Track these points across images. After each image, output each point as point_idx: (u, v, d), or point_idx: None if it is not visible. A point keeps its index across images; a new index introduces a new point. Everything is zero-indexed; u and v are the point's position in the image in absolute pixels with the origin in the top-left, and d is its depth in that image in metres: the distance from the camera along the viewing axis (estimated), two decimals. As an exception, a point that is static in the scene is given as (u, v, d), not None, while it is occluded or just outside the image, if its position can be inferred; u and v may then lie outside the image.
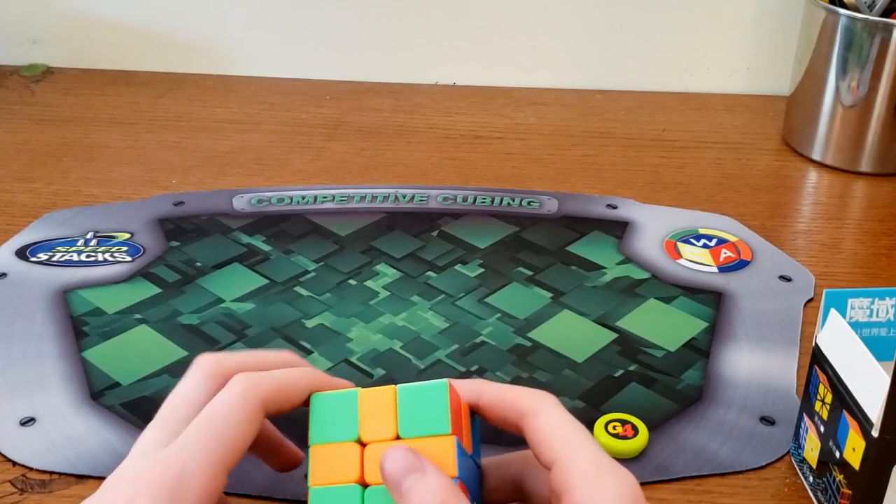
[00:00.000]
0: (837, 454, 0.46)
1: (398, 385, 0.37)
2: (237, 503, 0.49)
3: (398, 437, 0.36)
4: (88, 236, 0.71)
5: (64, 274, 0.67)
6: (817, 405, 0.48)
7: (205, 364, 0.39)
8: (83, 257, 0.69)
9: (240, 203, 0.76)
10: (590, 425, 0.52)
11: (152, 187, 0.79)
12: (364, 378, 0.58)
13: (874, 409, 0.43)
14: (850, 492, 0.45)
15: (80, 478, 0.51)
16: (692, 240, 0.72)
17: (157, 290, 0.66)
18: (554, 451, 0.35)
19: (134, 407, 0.55)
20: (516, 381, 0.57)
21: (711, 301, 0.65)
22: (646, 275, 0.68)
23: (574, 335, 0.62)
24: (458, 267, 0.68)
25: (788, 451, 0.53)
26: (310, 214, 0.75)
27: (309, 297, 0.65)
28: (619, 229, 0.73)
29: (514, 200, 0.77)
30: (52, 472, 0.51)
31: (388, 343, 0.61)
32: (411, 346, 0.60)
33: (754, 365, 0.59)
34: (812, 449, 0.49)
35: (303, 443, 0.38)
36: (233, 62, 1.00)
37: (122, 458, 0.51)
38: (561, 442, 0.35)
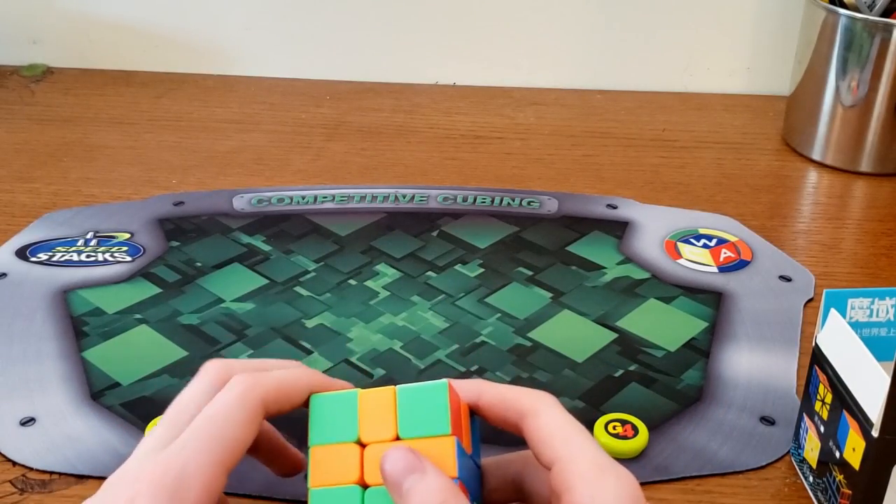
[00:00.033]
0: (837, 454, 0.46)
1: (398, 386, 0.37)
2: (237, 503, 0.49)
3: (398, 438, 0.36)
4: (88, 236, 0.71)
5: (64, 274, 0.67)
6: (817, 405, 0.48)
7: (212, 370, 0.39)
8: (83, 257, 0.69)
9: (240, 203, 0.76)
10: (590, 425, 0.52)
11: (152, 187, 0.79)
12: (364, 378, 0.58)
13: (874, 409, 0.43)
14: (850, 492, 0.45)
15: (80, 478, 0.51)
16: (692, 240, 0.72)
17: (157, 290, 0.66)
18: (554, 451, 0.35)
19: (134, 407, 0.55)
20: (516, 381, 0.57)
21: (711, 301, 0.65)
22: (646, 275, 0.68)
23: (574, 335, 0.62)
24: (458, 267, 0.68)
25: (788, 451, 0.53)
26: (310, 214, 0.75)
27: (309, 297, 0.65)
28: (619, 229, 0.73)
29: (514, 200, 0.77)
30: (52, 472, 0.51)
31: (388, 343, 0.61)
32: (411, 346, 0.60)
33: (754, 365, 0.59)
34: (812, 449, 0.49)
35: (303, 443, 0.38)
36: (233, 62, 1.00)
37: (123, 458, 0.51)
38: (561, 442, 0.35)
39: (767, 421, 0.55)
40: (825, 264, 0.70)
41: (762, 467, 0.52)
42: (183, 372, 0.58)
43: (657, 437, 0.53)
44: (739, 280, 0.67)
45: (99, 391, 0.56)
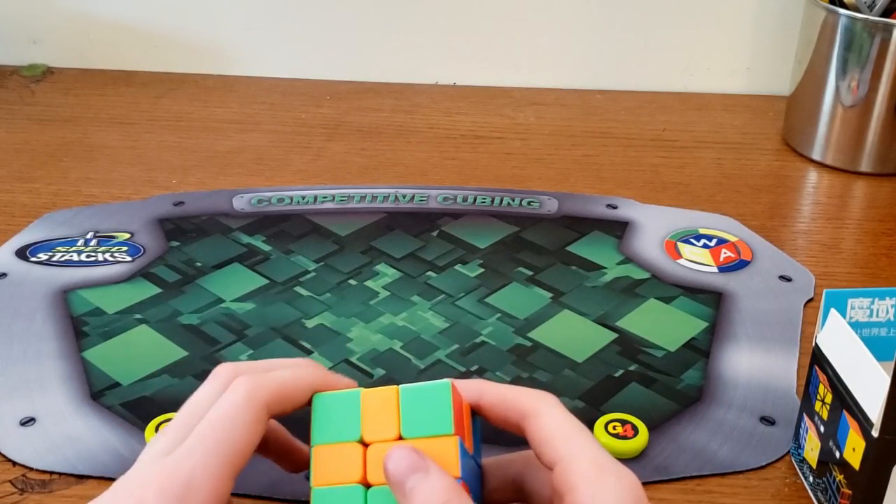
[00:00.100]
0: (837, 454, 0.46)
1: (401, 385, 0.37)
2: (239, 503, 0.49)
3: (401, 438, 0.36)
4: (88, 236, 0.71)
5: (64, 274, 0.67)
6: (817, 405, 0.48)
7: (222, 373, 0.39)
8: (83, 257, 0.69)
9: (240, 203, 0.76)
10: (590, 425, 0.52)
11: (152, 187, 0.79)
12: (364, 378, 0.58)
13: (874, 409, 0.43)
14: (850, 492, 0.45)
15: (80, 478, 0.51)
16: (692, 240, 0.72)
17: (157, 290, 0.66)
18: (555, 451, 0.35)
19: (134, 407, 0.55)
20: (516, 381, 0.57)
21: (711, 301, 0.65)
22: (646, 275, 0.68)
23: (574, 335, 0.62)
24: (458, 267, 0.68)
25: (788, 451, 0.53)
26: (310, 214, 0.75)
27: (309, 297, 0.65)
28: (619, 229, 0.73)
29: (514, 200, 0.77)
30: (52, 472, 0.51)
31: (388, 343, 0.61)
32: (411, 346, 0.60)
33: (754, 365, 0.59)
34: (812, 449, 0.49)
35: (306, 442, 0.38)
36: (233, 62, 1.00)
37: (123, 458, 0.52)
38: (562, 442, 0.35)
39: (767, 421, 0.55)
40: (825, 264, 0.70)
41: (762, 467, 0.52)
42: (183, 372, 0.58)
43: (657, 437, 0.53)
44: (739, 280, 0.67)
45: (99, 391, 0.56)
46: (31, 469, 0.51)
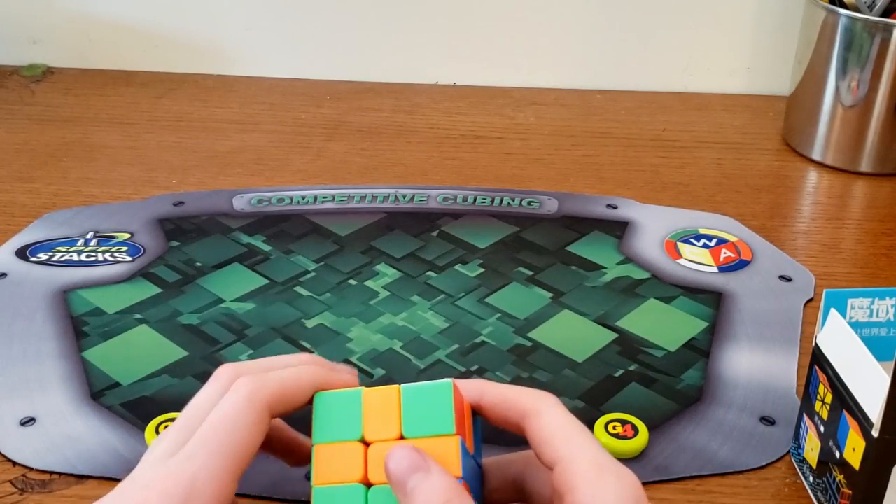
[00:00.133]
0: (837, 454, 0.46)
1: (402, 385, 0.37)
2: (239, 503, 0.49)
3: (402, 437, 0.36)
4: (88, 236, 0.71)
5: (64, 274, 0.67)
6: (817, 405, 0.48)
7: (224, 375, 0.39)
8: (83, 257, 0.69)
9: (240, 203, 0.76)
10: (590, 425, 0.52)
11: (152, 187, 0.79)
12: (364, 378, 0.57)
13: (874, 409, 0.43)
14: (850, 492, 0.45)
15: (80, 478, 0.51)
16: (692, 240, 0.72)
17: (157, 290, 0.66)
18: (555, 451, 0.35)
19: (134, 407, 0.55)
20: (516, 381, 0.57)
21: (711, 301, 0.65)
22: (646, 275, 0.68)
23: (574, 335, 0.62)
24: (458, 267, 0.68)
25: (788, 451, 0.53)
26: (310, 214, 0.75)
27: (309, 297, 0.65)
28: (619, 229, 0.73)
29: (514, 200, 0.77)
30: (52, 472, 0.51)
31: (388, 343, 0.61)
32: (411, 346, 0.60)
33: (754, 365, 0.59)
34: (812, 449, 0.49)
35: (307, 436, 0.38)
36: (233, 62, 1.00)
37: (123, 458, 0.52)
38: (562, 442, 0.35)
39: (767, 421, 0.55)
40: (825, 264, 0.70)
41: (762, 467, 0.52)
42: (183, 372, 0.58)
43: (657, 437, 0.53)
44: (739, 280, 0.67)
45: (99, 391, 0.56)
46: (31, 469, 0.51)
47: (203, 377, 0.57)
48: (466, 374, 0.58)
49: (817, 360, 0.48)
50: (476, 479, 0.38)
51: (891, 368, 0.42)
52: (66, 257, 0.69)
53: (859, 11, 0.79)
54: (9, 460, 0.52)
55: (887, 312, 0.48)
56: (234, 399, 0.36)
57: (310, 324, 0.62)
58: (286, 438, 0.41)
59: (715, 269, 0.69)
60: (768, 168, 0.84)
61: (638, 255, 0.70)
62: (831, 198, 0.80)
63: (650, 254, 0.70)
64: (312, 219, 0.74)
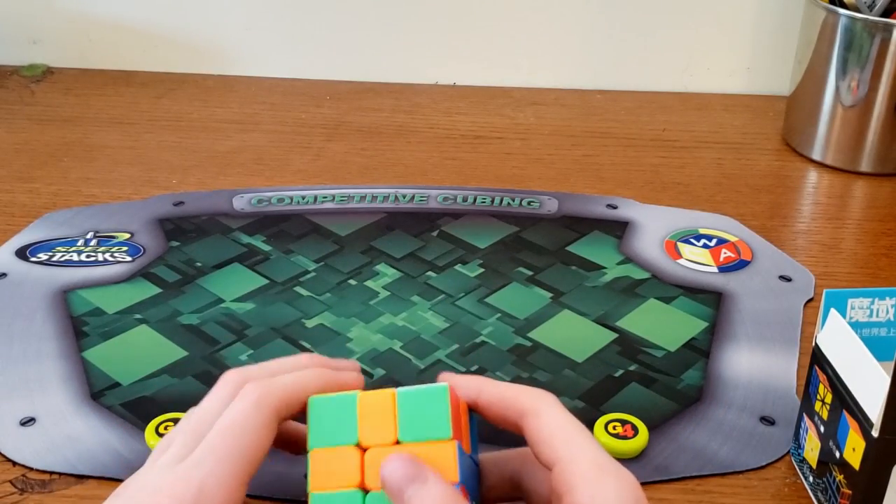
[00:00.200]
0: (837, 454, 0.46)
1: (397, 388, 0.37)
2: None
3: (398, 442, 0.36)
4: (88, 236, 0.71)
5: (64, 274, 0.67)
6: (817, 405, 0.48)
7: (230, 380, 0.39)
8: (83, 257, 0.69)
9: (240, 203, 0.76)
10: (590, 425, 0.52)
11: (152, 187, 0.79)
12: (364, 378, 0.57)
13: (874, 409, 0.43)
14: (850, 492, 0.45)
15: (80, 478, 0.51)
16: (692, 240, 0.72)
17: (157, 290, 0.66)
18: (554, 451, 0.35)
19: (134, 407, 0.55)
20: (516, 381, 0.57)
21: (711, 301, 0.65)
22: (646, 275, 0.68)
23: (574, 335, 0.62)
24: (458, 267, 0.68)
25: (788, 451, 0.53)
26: (310, 214, 0.75)
27: (309, 297, 0.65)
28: (619, 229, 0.73)
29: (514, 200, 0.77)
30: (52, 472, 0.51)
31: (388, 343, 0.61)
32: (411, 346, 0.60)
33: (754, 365, 0.59)
34: (812, 449, 0.49)
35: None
36: (233, 62, 1.00)
37: (123, 458, 0.52)
38: (561, 442, 0.35)
39: (767, 421, 0.55)
40: (825, 264, 0.70)
41: (762, 467, 0.52)
42: (183, 372, 0.58)
43: (657, 437, 0.53)
44: (739, 280, 0.67)
45: (99, 391, 0.56)
46: (31, 469, 0.51)
47: (203, 377, 0.57)
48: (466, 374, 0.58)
49: (817, 360, 0.48)
50: (473, 479, 0.38)
51: (891, 368, 0.42)
52: (66, 257, 0.69)
53: (859, 11, 0.79)
54: (9, 460, 0.52)
55: (887, 312, 0.48)
56: (242, 405, 0.37)
57: (310, 324, 0.62)
58: (290, 430, 0.41)
59: (715, 269, 0.69)
60: (768, 168, 0.84)
61: (638, 255, 0.70)
62: (831, 198, 0.80)
63: (650, 254, 0.70)
64: (312, 219, 0.74)
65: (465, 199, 0.77)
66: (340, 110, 0.93)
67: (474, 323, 0.63)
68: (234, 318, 0.63)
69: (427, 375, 0.58)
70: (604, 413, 0.54)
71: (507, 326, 0.62)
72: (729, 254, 0.70)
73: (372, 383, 0.57)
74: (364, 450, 0.36)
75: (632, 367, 0.59)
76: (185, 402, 0.55)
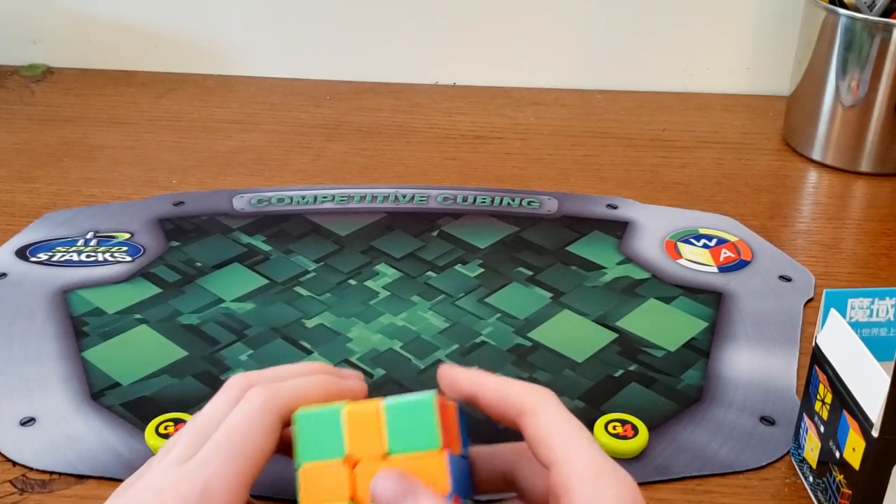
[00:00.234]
0: (837, 454, 0.46)
1: (383, 400, 0.36)
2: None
3: (388, 454, 0.35)
4: (88, 236, 0.71)
5: (64, 274, 0.67)
6: (817, 405, 0.48)
7: (235, 384, 0.39)
8: (83, 257, 0.69)
9: (240, 203, 0.76)
10: (590, 425, 0.52)
11: (152, 187, 0.79)
12: (364, 378, 0.57)
13: (874, 409, 0.43)
14: (850, 492, 0.45)
15: (80, 478, 0.51)
16: (692, 240, 0.72)
17: (157, 290, 0.66)
18: (552, 452, 0.35)
19: (134, 407, 0.55)
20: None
21: (711, 301, 0.65)
22: (646, 275, 0.68)
23: (574, 335, 0.62)
24: (458, 267, 0.68)
25: (788, 451, 0.53)
26: (310, 214, 0.75)
27: (309, 297, 0.65)
28: (619, 229, 0.73)
29: (514, 200, 0.77)
30: (52, 472, 0.51)
31: (388, 343, 0.61)
32: (411, 346, 0.60)
33: (754, 365, 0.59)
34: (812, 449, 0.49)
35: None
36: (233, 62, 1.00)
37: (123, 458, 0.52)
38: (559, 443, 0.35)
39: (767, 421, 0.55)
40: (825, 264, 0.70)
41: (762, 467, 0.52)
42: (183, 372, 0.58)
43: (657, 437, 0.53)
44: (739, 280, 0.67)
45: (99, 391, 0.56)
46: (31, 469, 0.51)
47: (203, 377, 0.57)
48: (466, 374, 0.58)
49: (817, 360, 0.48)
50: (465, 478, 0.38)
51: (891, 368, 0.42)
52: (66, 257, 0.69)
53: (859, 11, 0.79)
54: (9, 460, 0.52)
55: (887, 312, 0.48)
56: (248, 408, 0.37)
57: (310, 324, 0.62)
58: (288, 434, 0.41)
59: (715, 269, 0.69)
60: (768, 168, 0.84)
61: (638, 255, 0.70)
62: (831, 198, 0.80)
63: (650, 254, 0.70)
64: (312, 219, 0.74)
65: (465, 199, 0.77)
66: (340, 110, 0.93)
67: (474, 323, 0.63)
68: (234, 318, 0.63)
69: (427, 375, 0.58)
70: (604, 413, 0.54)
71: (507, 326, 0.62)
72: (729, 254, 0.70)
73: (372, 383, 0.57)
74: (354, 463, 0.36)
75: (632, 367, 0.59)
76: (185, 402, 0.55)
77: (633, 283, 0.67)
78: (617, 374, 0.58)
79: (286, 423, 0.38)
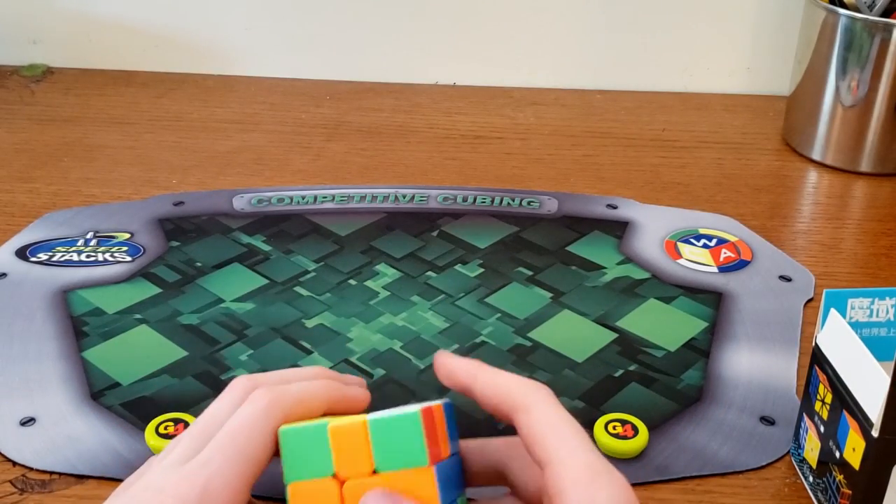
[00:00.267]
0: (837, 454, 0.46)
1: (369, 418, 0.36)
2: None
3: (376, 471, 0.35)
4: (88, 236, 0.71)
5: (64, 274, 0.67)
6: (817, 405, 0.48)
7: (239, 386, 0.39)
8: (83, 257, 0.69)
9: (240, 203, 0.76)
10: (590, 425, 0.53)
11: (152, 187, 0.79)
12: (364, 378, 0.57)
13: (874, 409, 0.43)
14: (850, 492, 0.45)
15: (80, 478, 0.51)
16: (692, 240, 0.72)
17: (157, 290, 0.66)
18: (546, 452, 0.35)
19: (134, 407, 0.55)
20: (516, 381, 0.57)
21: (711, 301, 0.65)
22: (646, 275, 0.68)
23: (574, 335, 0.62)
24: (458, 267, 0.68)
25: (788, 451, 0.53)
26: (310, 214, 0.75)
27: (309, 297, 0.65)
28: (619, 229, 0.73)
29: (514, 200, 0.77)
30: (52, 472, 0.51)
31: (388, 343, 0.61)
32: (411, 346, 0.60)
33: (754, 365, 0.59)
34: (812, 449, 0.49)
35: None
36: (233, 62, 1.00)
37: (123, 458, 0.52)
38: (554, 443, 0.35)
39: (767, 421, 0.55)
40: (825, 264, 0.70)
41: (762, 467, 0.52)
42: (183, 372, 0.58)
43: (657, 437, 0.53)
44: (739, 280, 0.67)
45: (99, 391, 0.56)
46: (31, 469, 0.51)
47: (203, 377, 0.57)
48: (466, 374, 0.58)
49: (817, 360, 0.48)
50: (456, 475, 0.38)
51: (891, 368, 0.42)
52: (66, 257, 0.69)
53: (859, 11, 0.79)
54: (9, 460, 0.52)
55: (887, 312, 0.48)
56: (251, 409, 0.37)
57: (310, 324, 0.62)
58: None
59: (715, 269, 0.69)
60: (768, 168, 0.84)
61: (638, 255, 0.70)
62: (831, 198, 0.80)
63: (650, 254, 0.70)
64: (312, 219, 0.74)
65: (465, 199, 0.77)
66: (340, 110, 0.93)
67: (474, 323, 0.63)
68: (234, 318, 0.63)
69: (427, 375, 0.58)
70: (604, 413, 0.54)
71: (507, 326, 0.62)
72: (729, 254, 0.70)
73: (372, 383, 0.57)
74: (342, 481, 0.36)
75: (632, 367, 0.59)
76: (185, 402, 0.55)
77: (633, 283, 0.67)
78: (617, 374, 0.58)
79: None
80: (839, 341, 0.47)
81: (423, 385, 0.57)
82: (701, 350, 0.60)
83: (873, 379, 0.43)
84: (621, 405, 0.56)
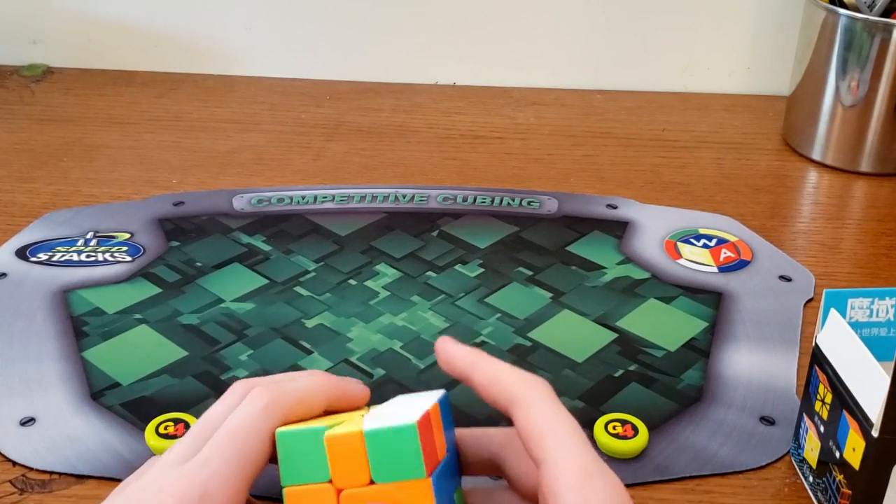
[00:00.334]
0: (837, 454, 0.46)
1: (365, 429, 0.35)
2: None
3: (372, 482, 0.35)
4: (88, 236, 0.71)
5: (64, 274, 0.67)
6: (817, 405, 0.48)
7: (240, 388, 0.39)
8: (83, 257, 0.69)
9: (240, 203, 0.76)
10: (590, 425, 0.53)
11: (152, 187, 0.79)
12: (364, 378, 0.57)
13: (874, 409, 0.43)
14: (850, 492, 0.45)
15: (80, 478, 0.51)
16: (692, 240, 0.72)
17: (157, 290, 0.66)
18: (542, 451, 0.35)
19: (134, 407, 0.55)
20: (516, 381, 0.57)
21: (711, 301, 0.65)
22: (646, 275, 0.68)
23: (574, 335, 0.62)
24: (458, 267, 0.68)
25: (788, 451, 0.53)
26: (310, 214, 0.75)
27: (309, 297, 0.65)
28: (619, 229, 0.73)
29: (514, 200, 0.77)
30: (52, 472, 0.51)
31: (388, 343, 0.61)
32: (411, 346, 0.60)
33: (754, 365, 0.59)
34: (812, 449, 0.49)
35: None
36: (233, 62, 1.00)
37: (123, 458, 0.52)
38: (550, 442, 0.35)
39: (767, 421, 0.55)
40: (825, 264, 0.70)
41: (762, 467, 0.52)
42: (183, 372, 0.58)
43: (657, 437, 0.53)
44: (739, 280, 0.67)
45: (99, 391, 0.56)
46: (31, 469, 0.51)
47: (203, 377, 0.57)
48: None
49: (817, 360, 0.48)
50: (452, 472, 0.38)
51: (891, 368, 0.42)
52: (66, 257, 0.69)
53: (859, 11, 0.79)
54: (9, 460, 0.52)
55: (887, 312, 0.48)
56: (250, 409, 0.37)
57: (310, 324, 0.62)
58: None
59: (715, 269, 0.69)
60: (768, 168, 0.84)
61: (638, 255, 0.70)
62: (831, 198, 0.80)
63: (650, 254, 0.70)
64: (312, 219, 0.74)
65: (465, 199, 0.77)
66: (340, 110, 0.93)
67: (474, 323, 0.63)
68: (234, 318, 0.63)
69: (427, 375, 0.58)
70: (604, 413, 0.54)
71: (507, 326, 0.62)
72: (729, 254, 0.70)
73: (372, 383, 0.57)
74: (339, 490, 0.35)
75: (632, 367, 0.59)
76: (185, 402, 0.55)
77: (633, 283, 0.67)
78: (617, 374, 0.58)
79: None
80: (839, 341, 0.47)
81: (424, 385, 0.57)
82: (701, 350, 0.60)
83: (873, 379, 0.43)
84: (621, 405, 0.56)
